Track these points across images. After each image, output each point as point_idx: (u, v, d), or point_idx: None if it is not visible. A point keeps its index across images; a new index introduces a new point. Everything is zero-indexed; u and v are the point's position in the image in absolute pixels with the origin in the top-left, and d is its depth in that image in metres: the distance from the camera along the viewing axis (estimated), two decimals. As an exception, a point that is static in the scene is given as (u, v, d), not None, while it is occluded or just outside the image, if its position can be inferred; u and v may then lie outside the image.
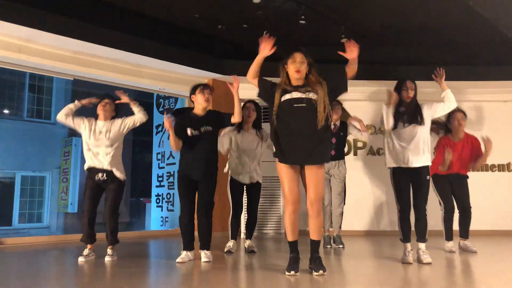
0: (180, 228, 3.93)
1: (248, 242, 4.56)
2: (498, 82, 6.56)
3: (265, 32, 3.44)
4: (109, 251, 4.09)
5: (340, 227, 5.00)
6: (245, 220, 4.65)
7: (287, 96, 3.21)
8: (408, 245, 3.89)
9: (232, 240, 4.55)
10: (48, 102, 12.28)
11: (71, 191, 11.36)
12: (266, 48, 3.28)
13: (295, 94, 3.19)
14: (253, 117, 4.54)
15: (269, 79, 3.48)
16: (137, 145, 11.76)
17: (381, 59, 6.50)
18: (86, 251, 4.06)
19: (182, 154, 3.99)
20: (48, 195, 12.17)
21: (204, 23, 5.88)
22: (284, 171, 3.23)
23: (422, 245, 3.87)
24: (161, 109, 7.41)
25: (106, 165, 4.07)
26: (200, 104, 3.96)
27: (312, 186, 3.20)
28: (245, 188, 4.57)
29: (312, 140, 3.15)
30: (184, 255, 3.85)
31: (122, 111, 4.37)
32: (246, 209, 4.67)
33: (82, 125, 4.14)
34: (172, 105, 7.17)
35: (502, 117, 6.88)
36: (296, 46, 3.35)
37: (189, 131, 3.87)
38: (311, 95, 3.18)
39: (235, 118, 3.95)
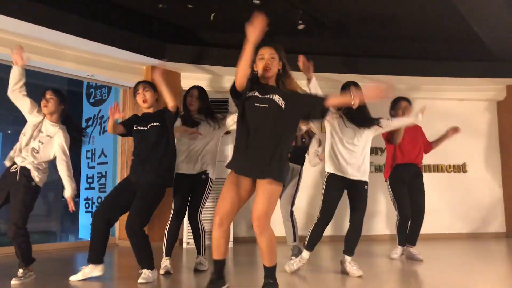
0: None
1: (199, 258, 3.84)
2: (453, 79, 6.31)
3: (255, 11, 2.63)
4: (19, 272, 3.27)
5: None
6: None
7: (253, 94, 2.68)
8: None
9: (167, 257, 3.71)
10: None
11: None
12: (254, 32, 2.49)
13: (260, 94, 2.66)
14: (196, 106, 3.88)
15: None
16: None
17: (341, 50, 6.02)
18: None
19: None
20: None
21: (142, 0, 5.09)
22: (228, 178, 2.67)
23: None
24: (92, 100, 6.47)
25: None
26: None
27: (255, 200, 2.58)
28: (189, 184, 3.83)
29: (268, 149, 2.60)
30: None
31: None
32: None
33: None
34: (105, 96, 6.28)
35: (457, 116, 6.67)
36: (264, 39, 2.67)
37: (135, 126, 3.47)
38: (276, 98, 2.64)
39: (169, 103, 3.41)
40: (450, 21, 5.37)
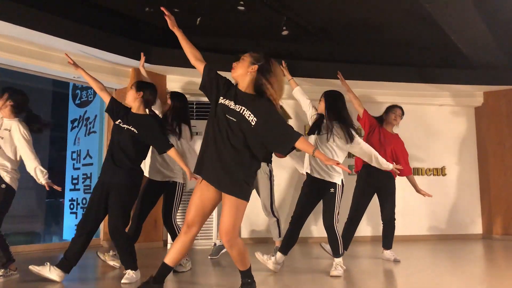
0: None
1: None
2: (433, 85, 6.49)
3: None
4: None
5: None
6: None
7: (226, 101, 2.64)
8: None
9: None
10: None
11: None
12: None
13: (232, 104, 2.62)
14: (168, 105, 4.09)
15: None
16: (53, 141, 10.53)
17: (324, 56, 6.15)
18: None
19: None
20: None
21: (129, 3, 5.15)
22: (198, 185, 2.67)
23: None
24: (77, 101, 6.50)
25: None
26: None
27: (222, 215, 2.60)
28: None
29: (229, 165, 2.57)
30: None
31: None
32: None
33: None
34: (91, 97, 6.31)
35: (437, 121, 6.88)
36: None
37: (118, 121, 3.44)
38: (247, 114, 2.58)
39: None
40: (430, 29, 5.54)
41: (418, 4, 4.67)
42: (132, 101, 3.48)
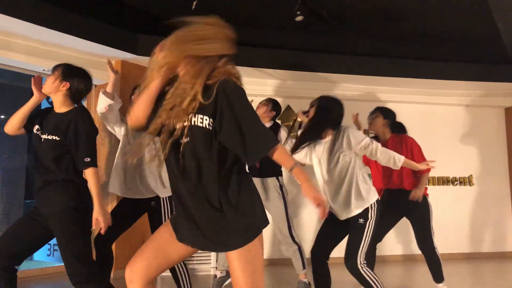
0: None
1: None
2: (458, 82, 5.70)
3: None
4: None
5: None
6: None
7: None
8: None
9: None
10: None
11: None
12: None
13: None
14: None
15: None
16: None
17: (339, 48, 5.34)
18: None
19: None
20: None
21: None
22: (164, 225, 1.83)
23: None
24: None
25: None
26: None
27: (232, 276, 1.68)
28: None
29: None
30: None
31: None
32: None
33: None
34: (67, 95, 5.43)
35: (463, 124, 6.13)
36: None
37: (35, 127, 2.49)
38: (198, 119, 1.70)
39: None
40: (464, 16, 4.77)
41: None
42: (53, 92, 2.48)
